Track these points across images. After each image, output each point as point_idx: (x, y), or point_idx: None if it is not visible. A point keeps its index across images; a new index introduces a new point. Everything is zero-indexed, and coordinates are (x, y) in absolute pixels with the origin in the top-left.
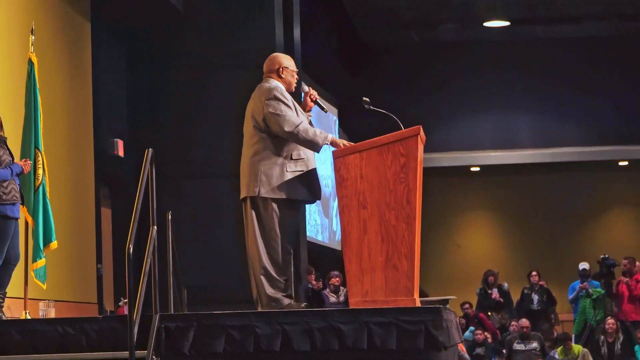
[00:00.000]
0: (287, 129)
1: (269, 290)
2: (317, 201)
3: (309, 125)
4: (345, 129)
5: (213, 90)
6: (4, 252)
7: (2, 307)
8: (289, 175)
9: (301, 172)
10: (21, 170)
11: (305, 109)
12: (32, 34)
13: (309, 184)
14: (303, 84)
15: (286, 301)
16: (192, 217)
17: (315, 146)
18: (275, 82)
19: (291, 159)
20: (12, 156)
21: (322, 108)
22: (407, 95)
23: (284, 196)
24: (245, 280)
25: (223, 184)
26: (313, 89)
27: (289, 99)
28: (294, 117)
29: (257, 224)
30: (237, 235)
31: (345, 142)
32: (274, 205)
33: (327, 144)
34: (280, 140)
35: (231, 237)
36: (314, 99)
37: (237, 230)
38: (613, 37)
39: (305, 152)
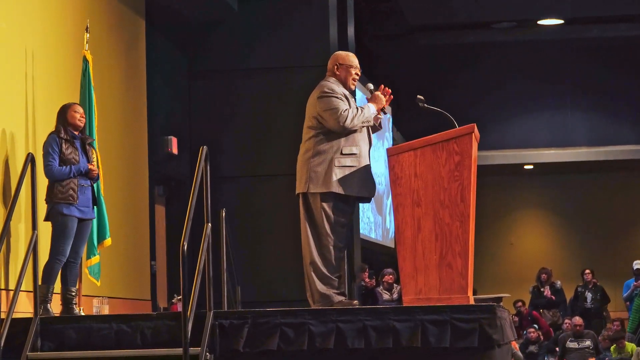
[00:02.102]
0: (342, 122)
1: (320, 286)
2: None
3: (357, 109)
4: (399, 126)
5: (270, 89)
6: (64, 248)
7: (74, 303)
8: (337, 170)
9: (352, 168)
10: (85, 169)
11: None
12: (86, 31)
13: (360, 180)
14: (369, 83)
15: (337, 298)
16: (248, 215)
17: (369, 120)
18: (329, 80)
19: (341, 153)
20: (86, 157)
21: (384, 112)
22: (461, 93)
23: (331, 190)
24: (300, 278)
25: (278, 182)
26: (366, 86)
27: (338, 93)
28: (346, 106)
29: (307, 221)
30: (292, 233)
31: (382, 97)
32: (323, 201)
33: (374, 113)
34: (331, 136)
35: (286, 235)
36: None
37: (292, 228)
38: None
39: (359, 148)
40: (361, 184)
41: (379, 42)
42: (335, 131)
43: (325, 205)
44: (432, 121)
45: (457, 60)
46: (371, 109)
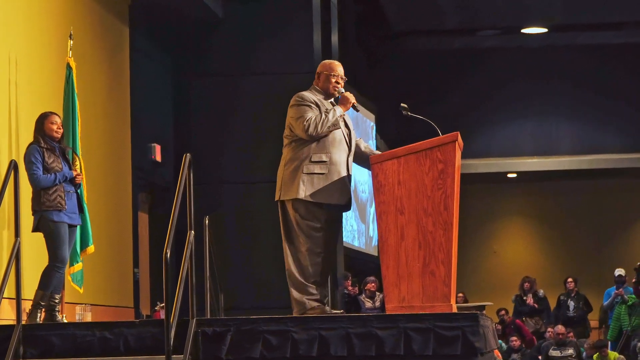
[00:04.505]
0: (306, 130)
1: (295, 294)
2: (353, 207)
3: (322, 115)
4: (383, 134)
5: (252, 95)
6: (62, 254)
7: (57, 310)
8: (304, 177)
9: (320, 175)
10: (69, 176)
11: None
12: (70, 38)
13: (329, 187)
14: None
15: (311, 305)
16: (231, 223)
17: (336, 123)
18: (309, 89)
19: (310, 161)
20: (67, 164)
21: (356, 109)
22: (445, 101)
23: (298, 197)
24: (282, 285)
25: (261, 189)
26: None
27: (308, 100)
28: (312, 114)
29: (283, 228)
30: (275, 241)
31: (350, 96)
32: (294, 208)
33: (341, 114)
34: (303, 143)
35: (269, 242)
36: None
37: (275, 236)
38: None
39: (331, 156)
40: (330, 192)
41: (362, 47)
42: (305, 139)
43: (296, 212)
44: (415, 129)
45: (441, 68)
46: (337, 111)
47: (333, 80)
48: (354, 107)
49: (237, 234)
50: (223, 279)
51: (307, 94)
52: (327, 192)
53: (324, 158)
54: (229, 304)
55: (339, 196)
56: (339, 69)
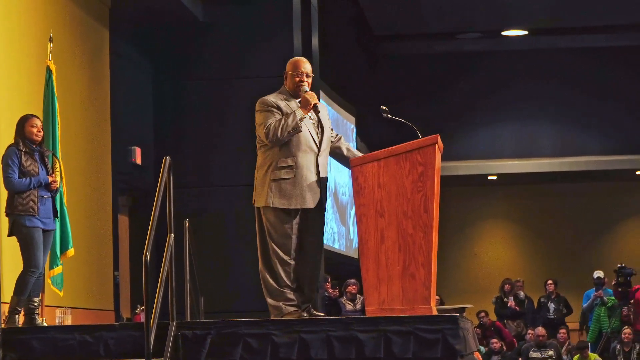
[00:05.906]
0: (267, 136)
1: (269, 299)
2: (333, 209)
3: (282, 120)
4: (363, 137)
5: (233, 99)
6: (36, 259)
7: (37, 314)
8: (272, 184)
9: (287, 180)
10: (45, 181)
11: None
12: (50, 41)
13: (296, 192)
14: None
15: (287, 309)
16: (212, 226)
17: (297, 127)
18: (270, 95)
19: (277, 166)
20: (45, 169)
21: (317, 110)
22: (426, 104)
23: (267, 205)
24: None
25: (242, 193)
26: (330, 96)
27: (269, 105)
28: (272, 119)
29: (257, 233)
30: (257, 244)
31: (311, 97)
32: (265, 215)
33: (301, 117)
34: (269, 148)
35: (251, 245)
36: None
37: (255, 239)
38: (634, 47)
39: (297, 160)
40: (298, 196)
41: (342, 50)
42: (270, 144)
43: (266, 218)
44: (395, 132)
45: (423, 71)
46: (297, 114)
47: (296, 79)
48: (315, 108)
49: (218, 237)
50: (203, 282)
51: (269, 98)
52: (295, 197)
53: (290, 162)
54: (210, 307)
55: (308, 199)
56: (305, 66)
